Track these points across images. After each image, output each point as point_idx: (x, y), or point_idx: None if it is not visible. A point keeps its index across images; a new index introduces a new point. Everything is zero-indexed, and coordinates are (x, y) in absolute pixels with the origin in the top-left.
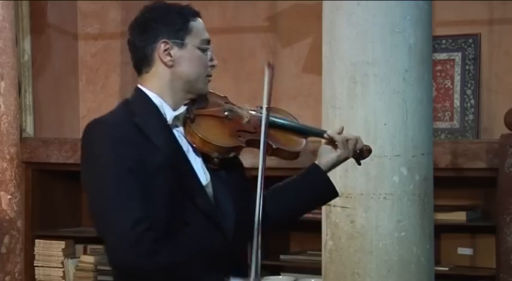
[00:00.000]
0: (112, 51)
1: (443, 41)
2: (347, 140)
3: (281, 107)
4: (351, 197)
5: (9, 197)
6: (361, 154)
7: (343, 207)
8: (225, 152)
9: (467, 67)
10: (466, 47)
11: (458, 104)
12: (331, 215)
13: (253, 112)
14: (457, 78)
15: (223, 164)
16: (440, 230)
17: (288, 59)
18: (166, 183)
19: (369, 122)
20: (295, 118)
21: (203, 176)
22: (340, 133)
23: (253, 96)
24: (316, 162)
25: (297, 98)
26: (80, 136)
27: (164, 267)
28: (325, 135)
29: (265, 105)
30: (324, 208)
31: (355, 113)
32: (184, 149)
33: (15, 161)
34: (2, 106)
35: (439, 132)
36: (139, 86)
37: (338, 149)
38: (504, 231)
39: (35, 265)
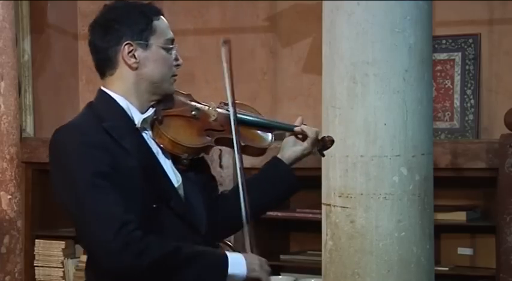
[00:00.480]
0: None
1: (443, 41)
2: (317, 134)
3: (281, 107)
4: (351, 197)
5: (9, 197)
6: (324, 145)
7: (343, 207)
8: (195, 153)
9: (467, 67)
10: (466, 47)
11: (458, 104)
12: (331, 215)
13: (219, 109)
14: (457, 78)
15: (192, 164)
16: (440, 230)
17: (288, 59)
18: (141, 187)
19: (369, 122)
20: (259, 113)
21: (174, 178)
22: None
23: (254, 96)
24: (279, 156)
25: (297, 98)
26: None
27: (156, 263)
28: (296, 129)
29: (230, 100)
30: (324, 207)
31: (355, 113)
32: (154, 151)
33: (15, 161)
34: (2, 106)
35: (439, 132)
36: (103, 88)
37: (305, 143)
38: (504, 231)
39: (35, 265)
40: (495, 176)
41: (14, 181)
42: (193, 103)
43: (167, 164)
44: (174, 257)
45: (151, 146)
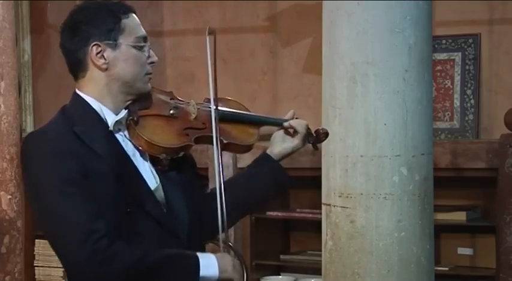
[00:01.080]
0: None
1: (443, 41)
2: (307, 128)
3: (281, 107)
4: (351, 197)
5: (9, 197)
6: (317, 138)
7: (343, 207)
8: (173, 153)
9: (467, 67)
10: (466, 47)
11: (458, 104)
12: (331, 215)
13: (200, 107)
14: (457, 78)
15: (173, 164)
16: (440, 230)
17: (288, 59)
18: (113, 192)
19: (369, 122)
20: (247, 109)
21: (152, 180)
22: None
23: (254, 96)
24: (268, 151)
25: (297, 98)
26: None
27: (124, 271)
28: (285, 124)
29: (212, 94)
30: (324, 207)
31: (355, 113)
32: (130, 154)
33: (15, 161)
34: (2, 106)
35: (439, 132)
36: (77, 91)
37: (295, 139)
38: (504, 231)
39: (35, 265)
40: (495, 176)
41: (14, 181)
42: (172, 101)
43: (145, 166)
44: (144, 263)
45: (127, 148)
